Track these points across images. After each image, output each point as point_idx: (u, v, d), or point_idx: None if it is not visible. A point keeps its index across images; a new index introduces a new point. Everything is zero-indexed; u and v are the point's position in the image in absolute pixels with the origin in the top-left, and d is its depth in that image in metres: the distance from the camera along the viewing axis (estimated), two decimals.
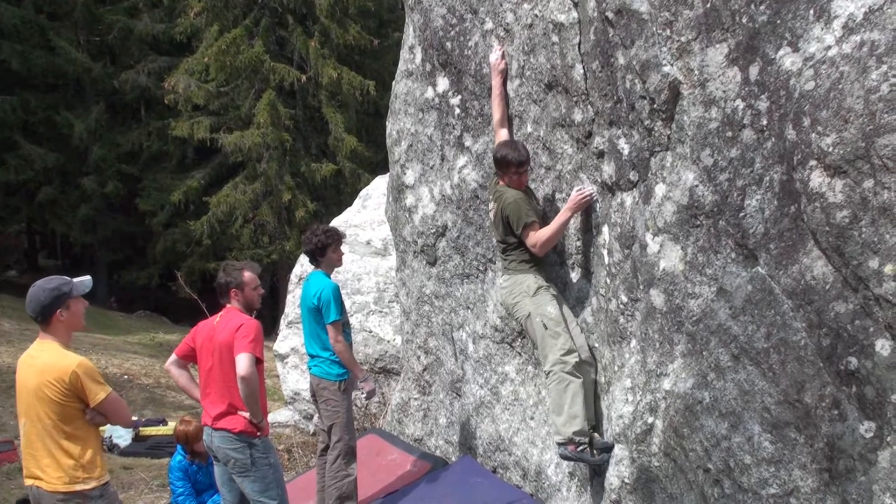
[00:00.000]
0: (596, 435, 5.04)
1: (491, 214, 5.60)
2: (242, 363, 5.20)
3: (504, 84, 5.72)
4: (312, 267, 6.60)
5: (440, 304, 6.98)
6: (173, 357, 5.71)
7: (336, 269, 6.88)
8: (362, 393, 6.94)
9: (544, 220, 5.36)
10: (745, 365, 3.79)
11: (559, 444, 5.08)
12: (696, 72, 3.93)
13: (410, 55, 6.99)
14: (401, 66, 7.21)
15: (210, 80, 23.21)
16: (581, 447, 4.94)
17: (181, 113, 23.72)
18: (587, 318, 5.20)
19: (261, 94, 22.90)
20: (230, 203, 22.75)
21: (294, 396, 10.60)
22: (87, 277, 4.63)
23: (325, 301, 6.24)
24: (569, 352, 5.06)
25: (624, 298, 4.67)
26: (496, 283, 6.17)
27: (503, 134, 5.68)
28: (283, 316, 11.18)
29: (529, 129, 5.57)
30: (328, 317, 6.24)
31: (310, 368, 6.50)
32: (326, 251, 6.44)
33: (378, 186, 11.42)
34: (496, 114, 5.75)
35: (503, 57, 5.71)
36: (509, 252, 5.44)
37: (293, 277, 11.08)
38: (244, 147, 22.31)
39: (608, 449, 4.83)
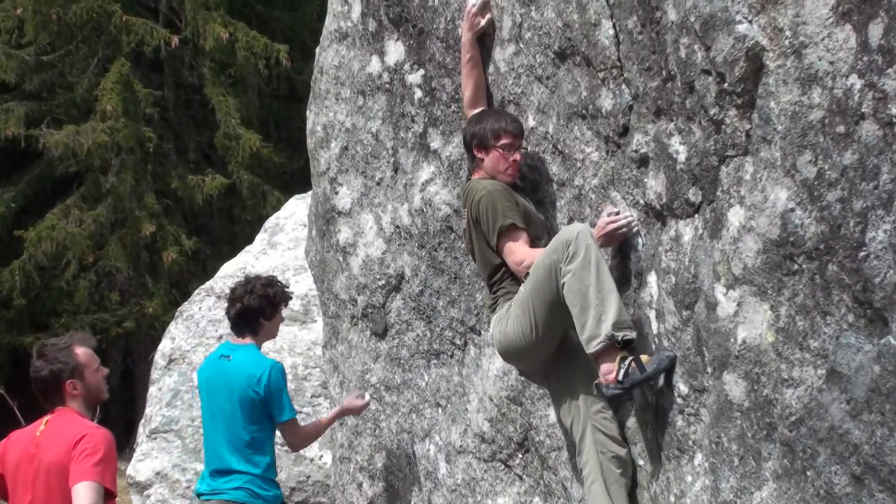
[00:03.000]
0: None
1: (463, 227, 5.63)
2: (85, 497, 5.17)
3: (478, 42, 5.81)
4: (214, 341, 6.70)
5: (394, 399, 6.97)
6: None
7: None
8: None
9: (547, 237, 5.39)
10: (872, 490, 3.81)
11: None
12: (788, 32, 4.00)
13: (344, 6, 7.05)
14: (329, 24, 7.27)
15: (25, 45, 23.19)
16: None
17: None
18: (625, 421, 5.23)
19: (108, 65, 22.89)
20: (58, 239, 22.57)
21: None
22: None
23: (276, 389, 6.48)
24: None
25: (683, 388, 4.70)
26: (481, 365, 6.19)
27: None
28: (142, 420, 11.07)
29: (532, 123, 5.62)
30: (283, 413, 6.50)
31: (218, 494, 6.47)
32: (278, 310, 6.77)
33: (294, 212, 11.42)
34: (467, 90, 5.85)
35: (486, 7, 5.78)
36: (501, 284, 5.43)
37: (159, 359, 10.99)
38: (80, 150, 22.18)
39: None
